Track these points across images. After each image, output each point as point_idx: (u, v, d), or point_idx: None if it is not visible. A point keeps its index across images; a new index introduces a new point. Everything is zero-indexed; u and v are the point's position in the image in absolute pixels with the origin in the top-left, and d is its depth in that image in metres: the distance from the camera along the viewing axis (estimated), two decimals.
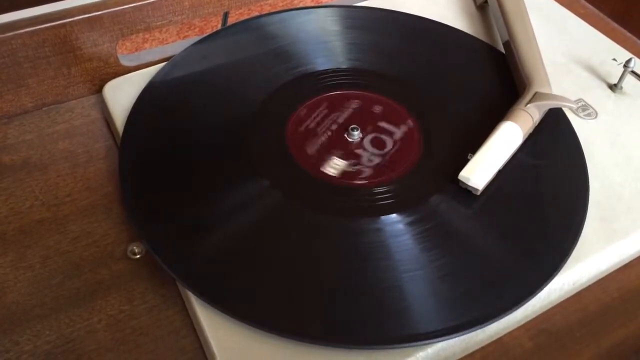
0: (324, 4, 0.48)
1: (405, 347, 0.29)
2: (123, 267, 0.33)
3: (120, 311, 0.32)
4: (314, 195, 0.34)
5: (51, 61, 0.41)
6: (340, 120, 0.39)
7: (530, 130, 0.37)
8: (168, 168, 0.36)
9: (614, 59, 0.45)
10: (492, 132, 0.36)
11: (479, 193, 0.34)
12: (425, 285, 0.31)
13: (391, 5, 0.47)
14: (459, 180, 0.34)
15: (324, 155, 0.37)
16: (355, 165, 0.36)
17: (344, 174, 0.35)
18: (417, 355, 0.29)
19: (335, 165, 0.34)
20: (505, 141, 0.36)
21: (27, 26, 0.39)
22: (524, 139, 0.37)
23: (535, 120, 0.37)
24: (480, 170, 0.34)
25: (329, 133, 0.38)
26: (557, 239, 0.33)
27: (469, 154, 0.35)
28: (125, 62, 0.44)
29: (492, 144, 0.35)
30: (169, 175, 0.36)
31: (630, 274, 0.35)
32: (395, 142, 0.37)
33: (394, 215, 0.33)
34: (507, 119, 0.36)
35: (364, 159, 0.36)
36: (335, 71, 0.42)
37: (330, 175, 0.35)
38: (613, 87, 0.43)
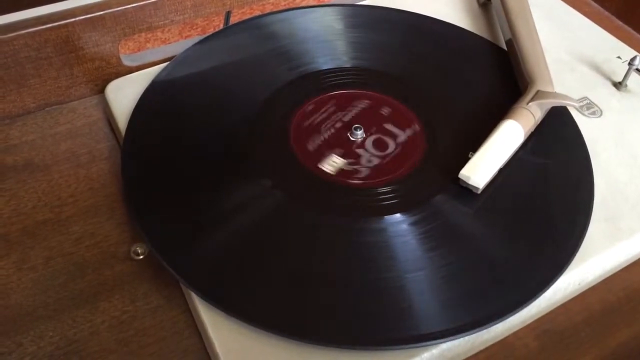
0: (326, 2, 0.48)
1: (409, 347, 0.29)
2: (126, 268, 0.33)
3: (124, 312, 0.31)
4: (316, 195, 0.34)
5: (53, 62, 0.41)
6: (343, 119, 0.39)
7: (532, 129, 0.37)
8: (171, 168, 0.36)
9: (619, 57, 0.45)
10: (493, 130, 0.36)
11: (479, 192, 0.34)
12: (430, 285, 0.31)
13: (393, 3, 0.47)
14: (459, 179, 0.34)
15: (323, 152, 0.36)
16: (353, 164, 0.36)
17: (341, 172, 0.35)
18: (422, 356, 0.29)
19: (333, 163, 0.34)
20: (506, 140, 0.35)
21: (29, 27, 0.39)
22: (526, 137, 0.36)
23: (537, 118, 0.37)
24: (480, 169, 0.34)
25: (332, 132, 0.38)
26: (561, 238, 0.33)
27: (470, 153, 0.35)
28: (128, 62, 0.44)
29: (492, 142, 0.35)
30: (172, 175, 0.35)
31: (636, 273, 0.35)
32: (397, 144, 0.37)
33: (397, 215, 0.33)
34: (509, 118, 0.36)
35: (363, 159, 0.36)
36: (338, 70, 0.42)
37: (331, 175, 0.35)
38: (618, 85, 0.43)
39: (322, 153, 0.36)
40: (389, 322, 0.29)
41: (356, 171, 0.36)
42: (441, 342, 0.29)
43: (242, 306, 0.30)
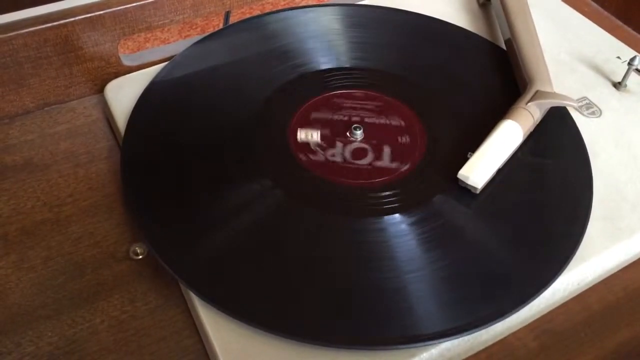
0: (325, 2, 0.48)
1: (409, 347, 0.29)
2: (125, 268, 0.33)
3: (123, 312, 0.31)
4: (316, 195, 0.34)
5: (53, 61, 0.41)
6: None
7: (531, 129, 0.37)
8: (170, 168, 0.36)
9: (618, 57, 0.45)
10: (492, 130, 0.36)
11: (478, 192, 0.34)
12: (429, 286, 0.31)
13: (393, 3, 0.47)
14: (458, 179, 0.34)
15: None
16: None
17: (304, 145, 0.36)
18: (421, 356, 0.29)
19: (307, 135, 0.34)
20: (505, 140, 0.35)
21: (28, 26, 0.39)
22: (525, 137, 0.36)
23: (536, 118, 0.37)
24: (479, 168, 0.34)
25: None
26: (561, 238, 0.33)
27: (469, 153, 0.35)
28: (127, 61, 0.43)
29: (491, 142, 0.35)
30: (171, 175, 0.35)
31: (636, 272, 0.34)
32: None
33: (397, 216, 0.33)
34: (508, 118, 0.36)
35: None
36: (337, 70, 0.42)
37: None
38: (617, 85, 0.43)
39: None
40: (389, 322, 0.29)
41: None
42: (440, 342, 0.29)
43: (241, 306, 0.30)
